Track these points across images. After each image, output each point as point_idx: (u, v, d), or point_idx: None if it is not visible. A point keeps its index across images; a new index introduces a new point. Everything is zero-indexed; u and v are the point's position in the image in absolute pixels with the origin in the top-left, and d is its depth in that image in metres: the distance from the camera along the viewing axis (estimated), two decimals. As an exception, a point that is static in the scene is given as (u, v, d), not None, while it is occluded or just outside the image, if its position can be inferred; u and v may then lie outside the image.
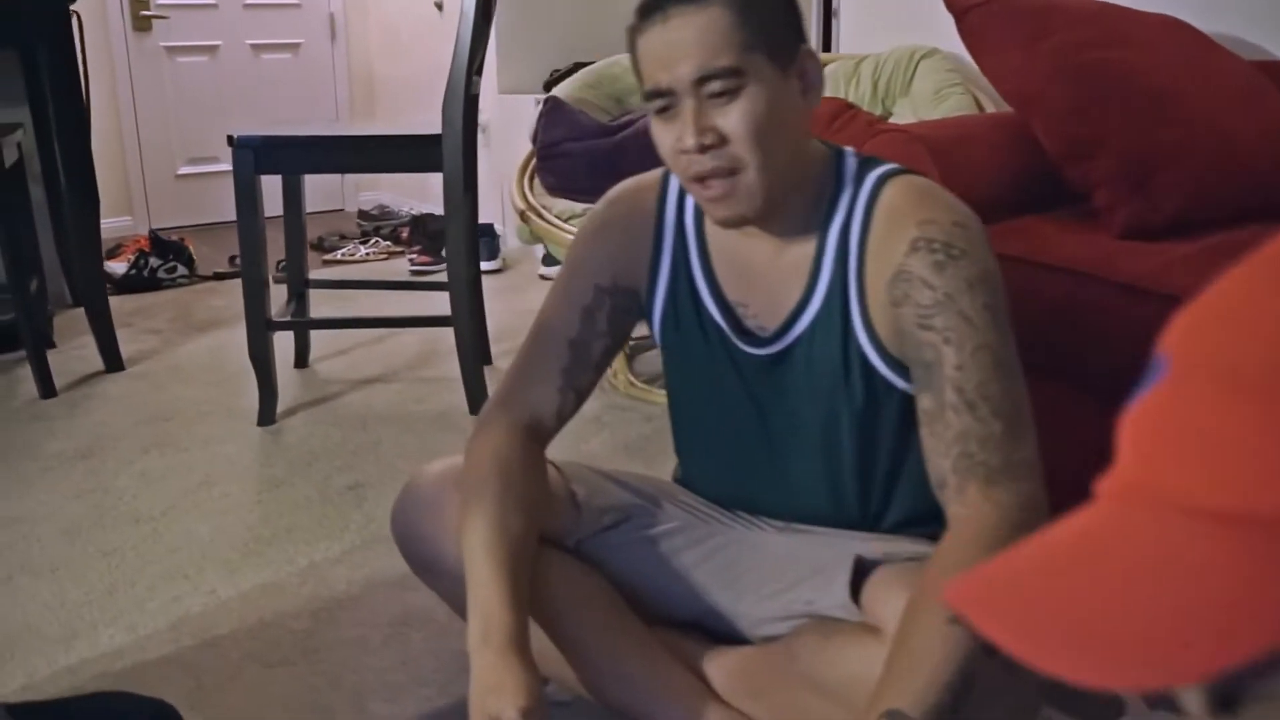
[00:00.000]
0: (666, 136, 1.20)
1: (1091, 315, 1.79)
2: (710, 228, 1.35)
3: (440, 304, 3.24)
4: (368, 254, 4.48)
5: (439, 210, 4.89)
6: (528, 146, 4.48)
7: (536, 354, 1.43)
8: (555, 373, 1.41)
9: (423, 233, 4.33)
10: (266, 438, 2.58)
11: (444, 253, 4.22)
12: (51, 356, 3.16)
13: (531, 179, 3.03)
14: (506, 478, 1.33)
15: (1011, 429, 1.08)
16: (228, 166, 5.48)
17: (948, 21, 2.23)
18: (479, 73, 2.78)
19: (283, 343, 2.91)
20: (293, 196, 2.95)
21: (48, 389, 2.91)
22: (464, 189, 2.59)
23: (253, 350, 2.60)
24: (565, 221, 2.77)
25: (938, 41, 3.11)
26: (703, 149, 1.16)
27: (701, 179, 1.19)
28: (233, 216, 5.36)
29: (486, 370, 2.84)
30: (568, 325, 1.41)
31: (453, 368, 3.00)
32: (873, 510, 1.36)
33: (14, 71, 3.47)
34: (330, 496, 2.25)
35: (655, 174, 1.43)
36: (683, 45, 1.14)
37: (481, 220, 4.34)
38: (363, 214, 5.10)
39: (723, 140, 1.16)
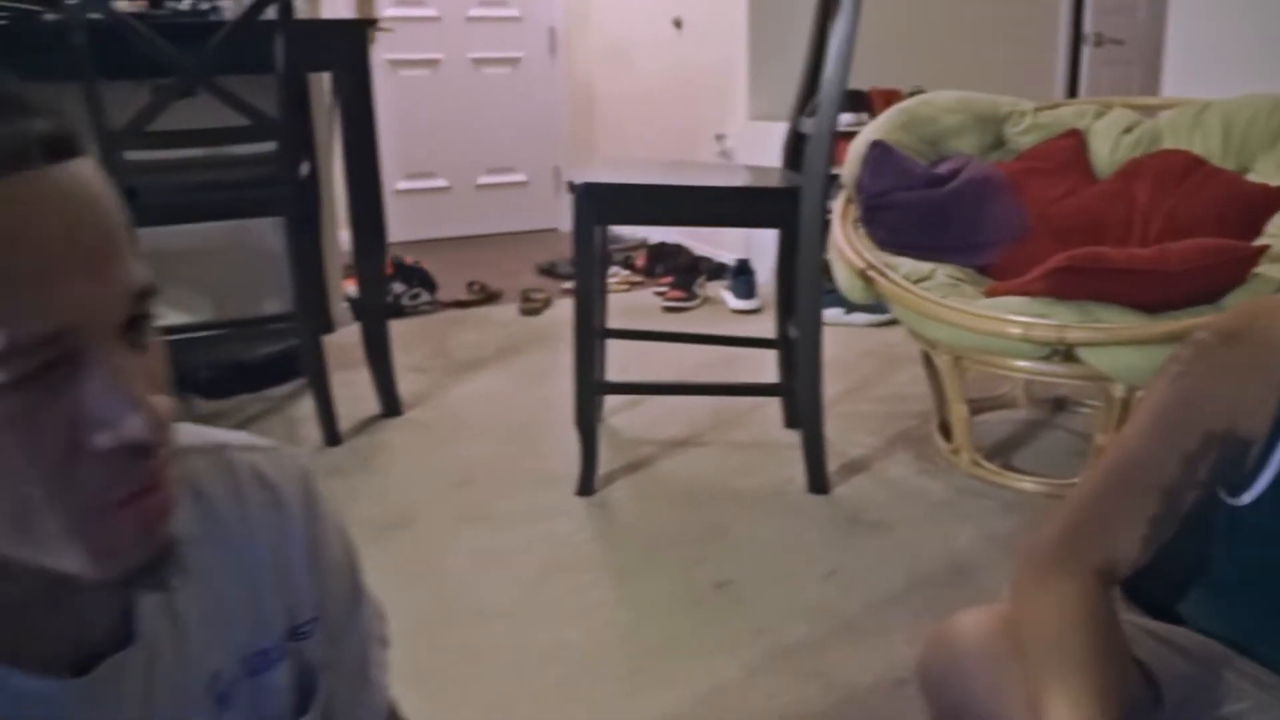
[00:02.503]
0: None
1: None
2: None
3: (749, 359, 3.02)
4: (609, 285, 4.25)
5: (671, 238, 4.68)
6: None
7: (1121, 495, 1.16)
8: (1142, 520, 1.14)
9: (671, 265, 4.09)
10: (595, 512, 2.35)
11: (695, 288, 4.00)
12: (322, 395, 2.99)
13: (854, 229, 2.77)
14: (1098, 651, 1.06)
15: None
16: (445, 183, 5.44)
17: None
18: (812, 114, 2.51)
19: (559, 388, 2.68)
20: (600, 240, 2.72)
21: (333, 436, 2.74)
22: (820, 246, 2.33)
23: (580, 416, 2.37)
24: (914, 284, 2.49)
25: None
26: None
27: None
28: (452, 233, 5.32)
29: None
30: (1162, 469, 1.14)
31: (762, 430, 2.80)
32: None
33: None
34: (701, 597, 2.01)
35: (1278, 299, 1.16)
36: None
37: (739, 256, 4.10)
38: (585, 238, 4.90)
39: None
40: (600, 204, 2.28)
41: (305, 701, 0.81)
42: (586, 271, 2.32)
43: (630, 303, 4.09)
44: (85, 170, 0.54)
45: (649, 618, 1.95)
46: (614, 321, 3.80)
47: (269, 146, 2.62)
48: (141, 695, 0.68)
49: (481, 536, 2.26)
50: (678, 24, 4.75)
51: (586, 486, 2.42)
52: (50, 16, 2.60)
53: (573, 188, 2.28)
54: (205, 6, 2.81)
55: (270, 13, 2.47)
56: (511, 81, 5.42)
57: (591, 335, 2.34)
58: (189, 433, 0.74)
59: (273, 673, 0.77)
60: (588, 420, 2.39)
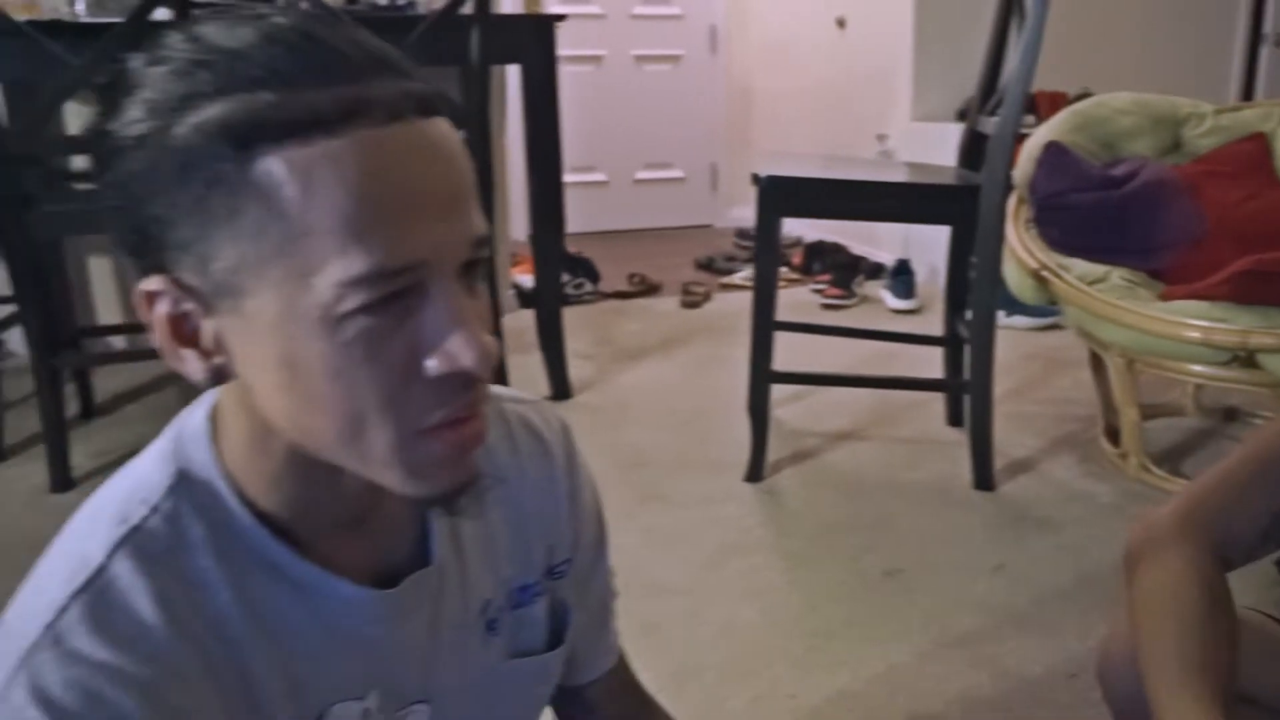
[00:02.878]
0: None
1: None
2: None
3: (908, 357, 3.05)
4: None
5: (829, 236, 4.71)
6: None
7: (1253, 480, 1.15)
8: (1266, 512, 1.14)
9: (830, 263, 4.13)
10: (764, 499, 2.42)
11: (854, 287, 4.03)
12: (495, 377, 3.13)
13: (1026, 230, 2.77)
14: (1210, 639, 1.05)
15: None
16: (604, 177, 5.57)
17: None
18: (993, 113, 2.53)
19: (724, 379, 2.74)
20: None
21: (509, 415, 2.86)
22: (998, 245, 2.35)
23: (753, 402, 2.44)
24: (1089, 286, 2.49)
25: None
26: None
27: None
28: (608, 226, 5.44)
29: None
30: None
31: (924, 427, 2.82)
32: None
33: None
34: (871, 583, 2.06)
35: None
36: None
37: (897, 256, 4.12)
38: (741, 233, 4.96)
39: None
40: (783, 196, 2.34)
41: (557, 637, 0.89)
42: (767, 261, 2.38)
43: (787, 299, 4.11)
44: (447, 128, 0.62)
45: (821, 601, 2.01)
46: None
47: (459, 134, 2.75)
48: (430, 613, 0.77)
49: (655, 516, 2.35)
50: (841, 23, 4.77)
51: (755, 473, 2.49)
52: (264, 9, 2.78)
53: (756, 180, 2.35)
54: (402, 1, 2.96)
55: (467, 7, 2.61)
56: (672, 79, 5.52)
57: (770, 325, 2.41)
58: None
59: (533, 607, 0.86)
60: (760, 408, 2.45)
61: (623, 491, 2.46)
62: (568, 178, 5.42)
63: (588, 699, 1.00)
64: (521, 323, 3.51)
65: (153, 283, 0.61)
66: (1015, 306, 3.62)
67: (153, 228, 0.59)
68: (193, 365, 0.63)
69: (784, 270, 4.43)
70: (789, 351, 3.12)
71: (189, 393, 0.74)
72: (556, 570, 0.89)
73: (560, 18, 2.94)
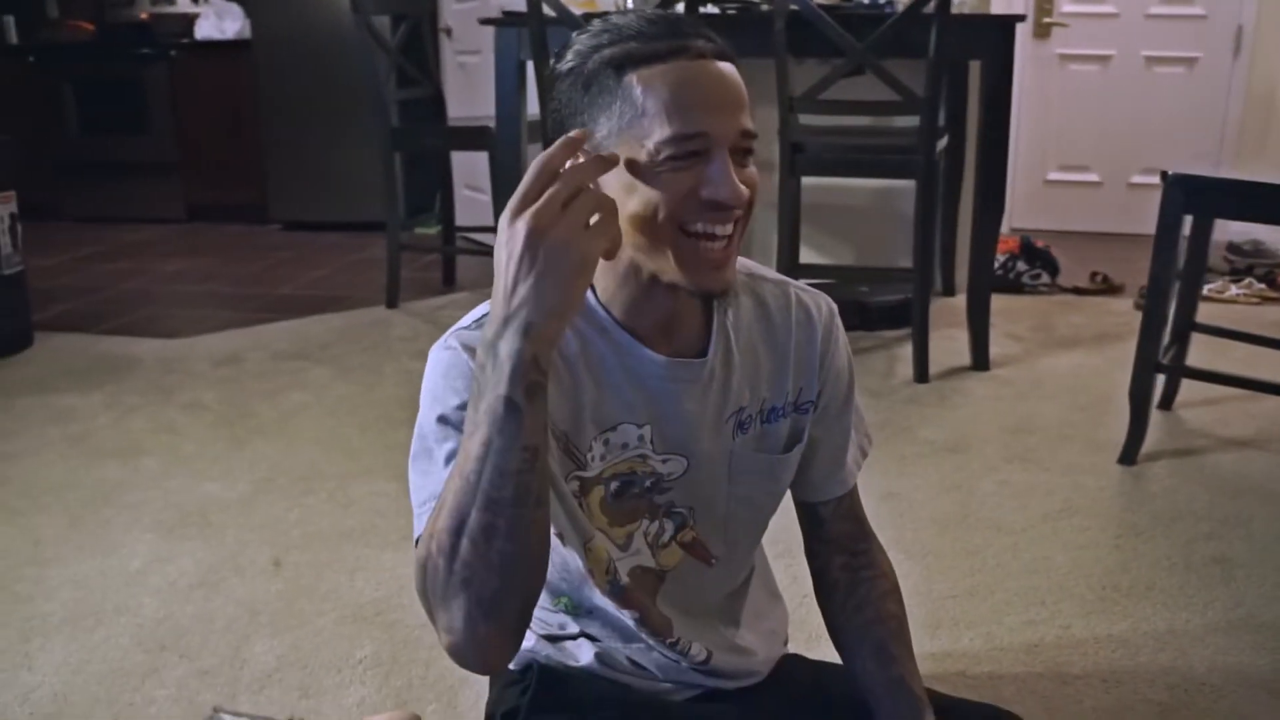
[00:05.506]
0: None
1: None
2: None
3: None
4: (1238, 294, 4.22)
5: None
6: None
7: None
8: None
9: (1309, 283, 3.97)
10: (1127, 478, 2.58)
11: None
12: (922, 343, 3.44)
13: None
14: None
15: None
16: (1097, 177, 5.58)
17: None
18: None
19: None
20: (1200, 234, 2.88)
21: (922, 375, 3.19)
22: None
23: (1134, 389, 2.60)
24: None
25: None
26: None
27: None
28: (1094, 228, 5.47)
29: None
30: None
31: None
32: None
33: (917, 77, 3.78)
34: (1193, 564, 2.19)
35: None
36: None
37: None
38: (1232, 247, 4.80)
39: None
40: (1187, 195, 2.49)
41: (790, 447, 1.27)
42: (1164, 256, 2.53)
43: (1251, 315, 4.02)
44: (731, 68, 1.04)
45: (1135, 565, 2.17)
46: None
47: (913, 120, 3.11)
48: (698, 394, 1.17)
49: (1018, 473, 2.59)
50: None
51: (1128, 456, 2.64)
52: (765, 7, 3.31)
53: (1164, 176, 2.51)
54: (882, 0, 3.34)
55: (930, 7, 2.94)
56: (1183, 81, 5.37)
57: (1161, 318, 2.56)
58: (767, 271, 1.24)
59: (777, 424, 1.24)
60: (1141, 394, 2.60)
61: (998, 449, 2.72)
62: (1058, 175, 5.55)
63: (819, 515, 1.35)
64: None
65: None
66: None
67: (569, 117, 1.07)
68: None
69: (1262, 287, 4.29)
70: (1229, 361, 3.14)
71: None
72: (802, 406, 1.25)
73: (1020, 18, 3.17)
